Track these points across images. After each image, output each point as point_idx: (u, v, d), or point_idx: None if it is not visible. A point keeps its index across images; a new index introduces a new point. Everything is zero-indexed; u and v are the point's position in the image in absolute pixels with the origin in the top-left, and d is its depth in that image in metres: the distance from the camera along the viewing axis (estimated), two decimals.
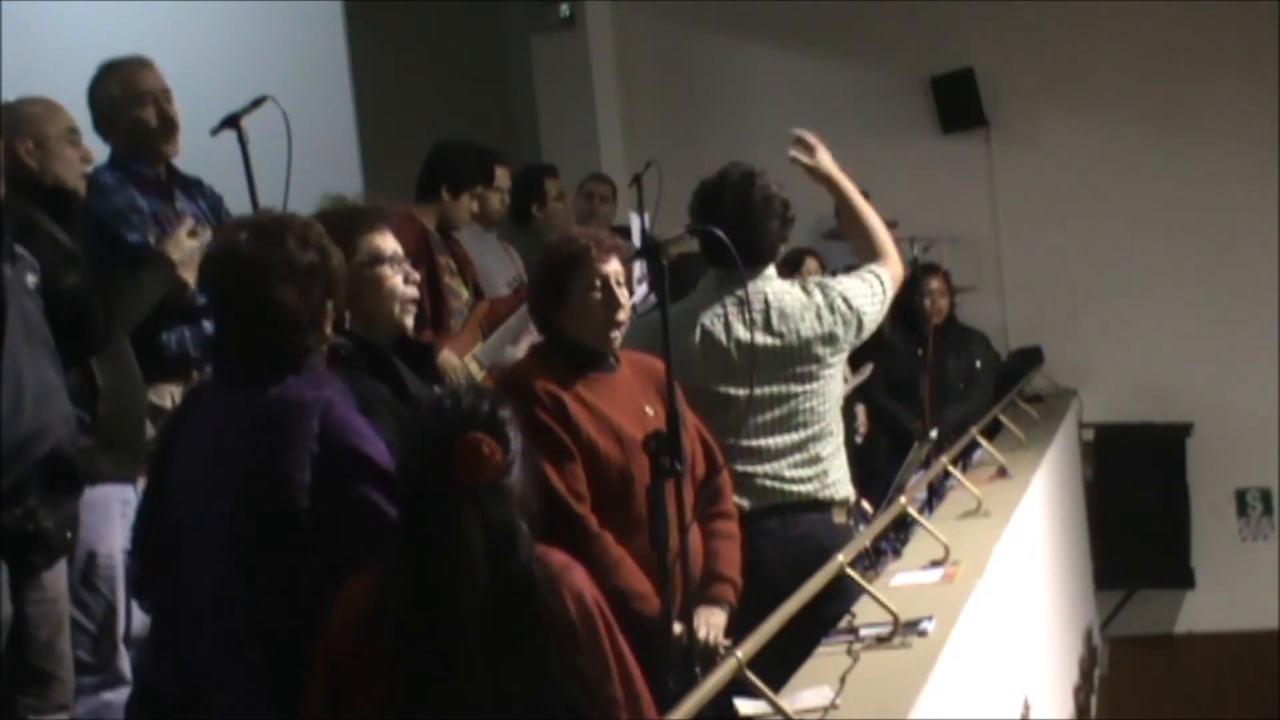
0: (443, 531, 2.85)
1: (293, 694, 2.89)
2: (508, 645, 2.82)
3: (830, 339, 4.70)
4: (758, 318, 4.63)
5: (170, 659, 3.10)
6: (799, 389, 4.67)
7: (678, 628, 3.63)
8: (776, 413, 4.64)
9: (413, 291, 3.55)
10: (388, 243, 3.50)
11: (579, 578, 2.94)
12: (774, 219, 4.72)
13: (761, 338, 4.63)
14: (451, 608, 2.82)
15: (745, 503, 4.50)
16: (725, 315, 4.63)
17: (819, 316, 4.69)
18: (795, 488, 4.65)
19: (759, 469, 4.61)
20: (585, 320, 4.03)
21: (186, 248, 4.51)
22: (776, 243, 4.76)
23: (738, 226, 4.46)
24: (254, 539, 2.96)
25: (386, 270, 3.47)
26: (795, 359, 4.66)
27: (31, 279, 3.80)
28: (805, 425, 4.68)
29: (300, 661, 2.89)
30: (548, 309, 4.10)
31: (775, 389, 4.64)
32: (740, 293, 4.58)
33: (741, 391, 4.51)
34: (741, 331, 4.60)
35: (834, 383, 4.77)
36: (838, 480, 4.73)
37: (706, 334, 4.61)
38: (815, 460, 4.68)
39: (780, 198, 4.75)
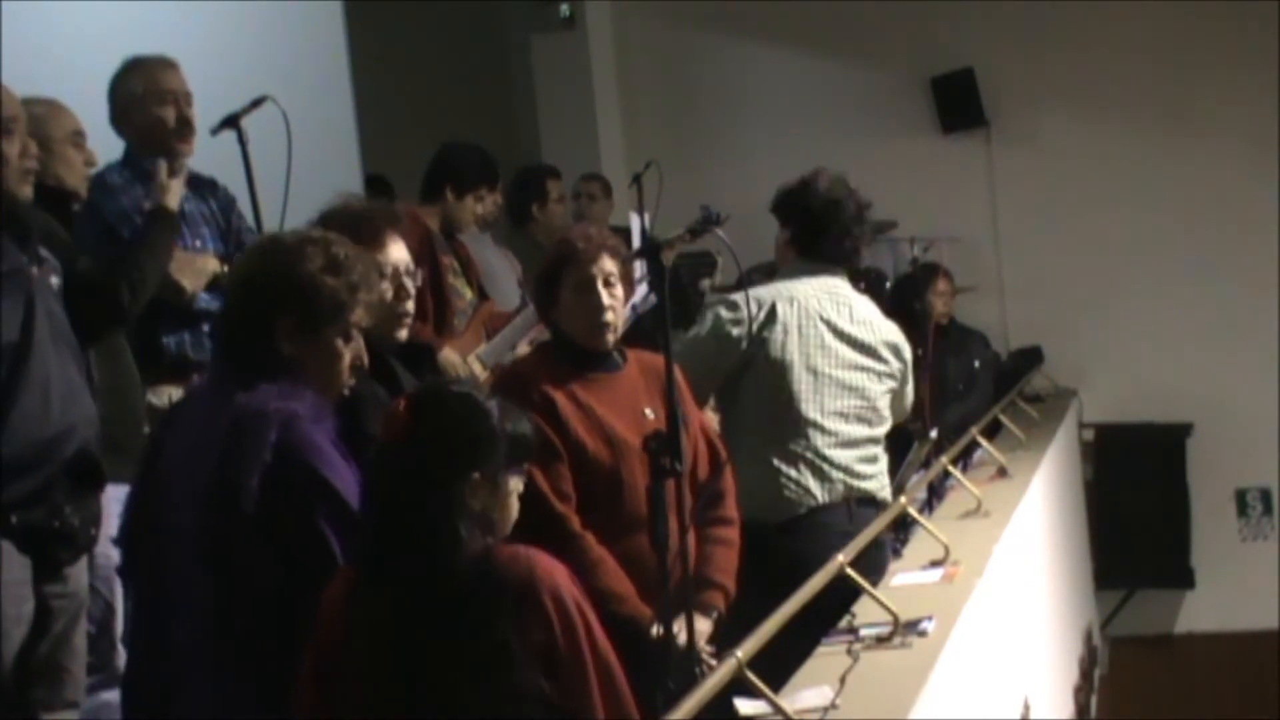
0: (385, 524, 2.86)
1: (261, 688, 2.92)
2: (465, 658, 2.80)
3: (895, 348, 4.94)
4: (843, 309, 4.86)
5: (148, 649, 3.12)
6: (872, 386, 4.86)
7: (675, 629, 3.63)
8: (852, 402, 4.81)
9: (405, 307, 3.55)
10: (389, 255, 3.50)
11: (560, 578, 2.90)
12: (860, 224, 4.93)
13: (848, 326, 4.84)
14: (394, 607, 2.82)
15: (819, 496, 4.69)
16: (818, 297, 4.83)
17: (886, 323, 4.96)
18: (860, 483, 4.79)
19: (834, 455, 4.73)
20: (575, 319, 4.04)
21: (176, 190, 4.53)
22: (859, 245, 4.99)
23: (823, 227, 4.83)
24: (209, 540, 2.98)
25: (385, 286, 3.46)
26: (871, 354, 4.87)
27: (55, 280, 3.83)
28: (871, 423, 4.87)
29: (267, 658, 2.92)
30: (545, 309, 4.14)
31: (854, 378, 4.83)
32: (830, 283, 4.86)
33: (828, 369, 4.76)
34: (832, 314, 4.82)
35: (888, 397, 4.94)
36: (886, 484, 4.92)
37: (802, 310, 4.78)
38: (875, 459, 4.87)
39: (863, 199, 4.96)
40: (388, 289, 3.47)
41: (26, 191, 3.76)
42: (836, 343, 4.81)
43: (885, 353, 4.91)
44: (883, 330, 4.94)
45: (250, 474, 2.95)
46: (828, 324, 4.81)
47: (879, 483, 4.85)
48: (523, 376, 4.02)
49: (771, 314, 4.78)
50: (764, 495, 4.62)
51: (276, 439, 2.96)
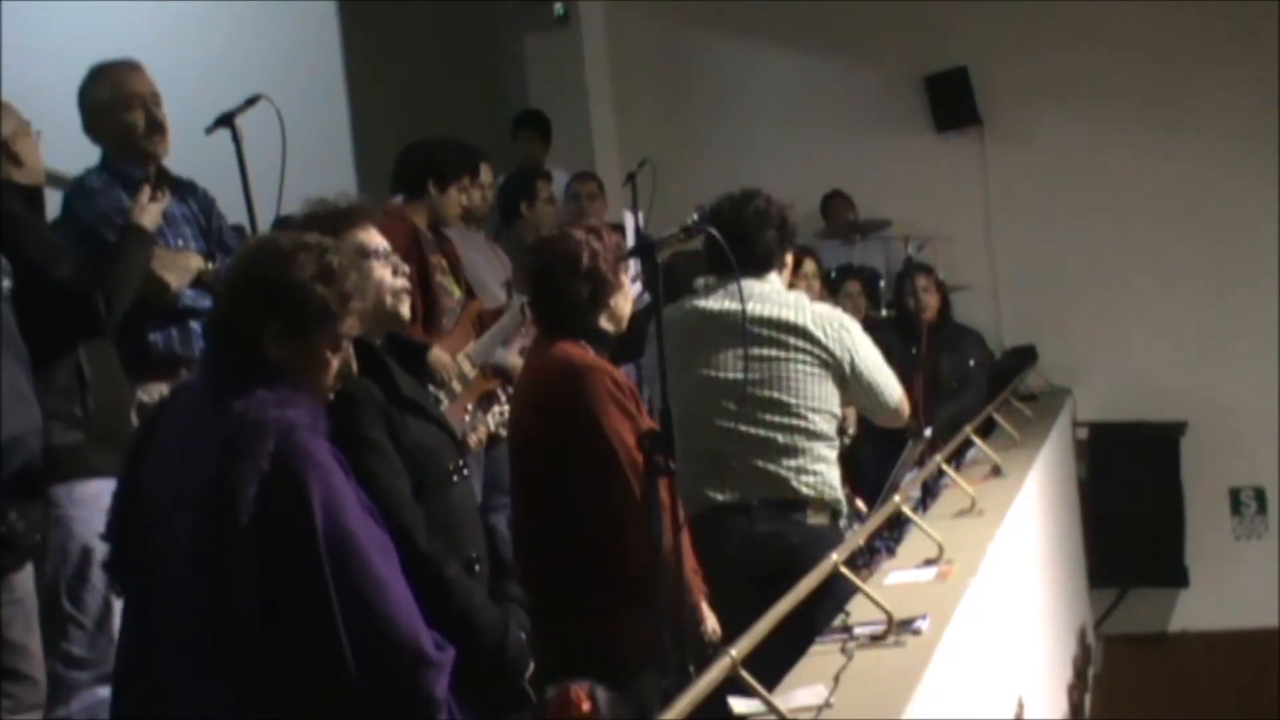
0: None
1: (244, 691, 2.92)
2: None
3: (800, 330, 4.75)
4: (748, 305, 4.65)
5: (137, 647, 3.12)
6: (780, 374, 4.73)
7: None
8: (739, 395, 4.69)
9: (402, 282, 3.53)
10: (372, 237, 3.49)
11: None
12: (770, 228, 4.78)
13: (755, 325, 4.68)
14: None
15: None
16: (699, 300, 4.77)
17: (799, 309, 4.78)
18: (776, 480, 4.72)
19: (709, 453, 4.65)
20: (622, 314, 4.10)
21: (154, 212, 4.53)
22: (772, 249, 4.83)
23: (734, 236, 4.58)
24: (204, 546, 2.97)
25: (372, 264, 3.46)
26: (774, 343, 4.72)
27: (7, 284, 3.79)
28: (781, 415, 4.73)
29: (251, 663, 2.92)
30: (597, 308, 4.10)
31: (765, 369, 4.71)
32: (745, 286, 4.65)
33: (705, 369, 4.69)
34: (716, 308, 4.74)
35: (809, 382, 4.80)
36: (816, 481, 4.81)
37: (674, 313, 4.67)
38: (793, 453, 4.75)
39: (778, 206, 4.85)
40: (381, 268, 3.46)
41: None
42: (720, 337, 4.70)
43: (787, 336, 4.74)
44: (789, 315, 4.76)
45: (248, 483, 2.93)
46: (708, 318, 4.73)
47: (800, 481, 4.71)
48: (609, 369, 4.06)
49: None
50: None
51: (274, 449, 2.96)
